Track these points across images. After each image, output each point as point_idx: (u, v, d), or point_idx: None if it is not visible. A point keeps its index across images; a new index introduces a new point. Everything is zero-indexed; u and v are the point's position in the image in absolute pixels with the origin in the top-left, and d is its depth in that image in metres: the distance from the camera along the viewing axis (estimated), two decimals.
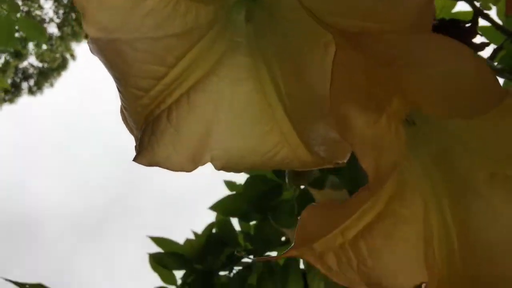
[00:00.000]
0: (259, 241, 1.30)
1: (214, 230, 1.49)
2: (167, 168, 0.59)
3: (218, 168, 0.61)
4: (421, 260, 0.52)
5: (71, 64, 13.94)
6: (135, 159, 0.58)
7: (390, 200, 0.52)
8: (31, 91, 13.74)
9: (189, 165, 0.59)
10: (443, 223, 0.53)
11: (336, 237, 0.49)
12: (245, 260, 1.52)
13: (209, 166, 0.62)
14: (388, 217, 0.52)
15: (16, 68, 13.15)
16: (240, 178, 1.48)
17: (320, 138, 0.58)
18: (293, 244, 0.50)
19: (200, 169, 0.61)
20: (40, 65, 13.70)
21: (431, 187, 0.55)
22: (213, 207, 1.35)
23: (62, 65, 13.75)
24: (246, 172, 1.27)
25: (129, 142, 0.60)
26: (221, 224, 1.45)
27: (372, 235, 0.51)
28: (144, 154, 0.56)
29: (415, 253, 0.52)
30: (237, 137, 0.60)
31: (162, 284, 1.46)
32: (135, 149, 0.58)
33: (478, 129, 0.53)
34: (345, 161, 0.58)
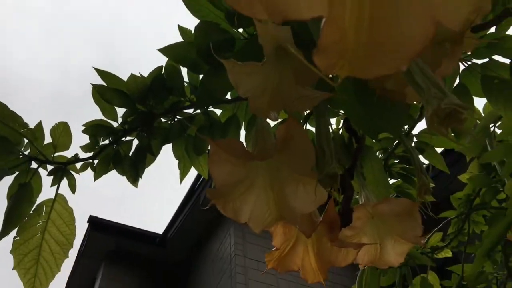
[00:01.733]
0: (205, 94, 1.28)
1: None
2: None
3: None
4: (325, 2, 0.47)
5: None
6: None
7: None
8: None
9: None
10: None
11: None
12: (188, 111, 1.53)
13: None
14: None
15: None
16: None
17: None
18: None
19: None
20: None
21: None
22: (163, 50, 1.30)
23: None
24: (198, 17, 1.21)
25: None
26: (169, 69, 1.42)
27: None
28: None
29: None
30: None
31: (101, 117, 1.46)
32: None
33: None
34: None
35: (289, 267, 1.19)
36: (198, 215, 8.52)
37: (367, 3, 0.48)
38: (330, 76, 0.68)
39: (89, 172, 1.51)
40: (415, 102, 1.48)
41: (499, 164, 2.03)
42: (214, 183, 0.92)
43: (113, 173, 1.53)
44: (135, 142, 1.52)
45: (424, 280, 2.28)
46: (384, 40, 0.47)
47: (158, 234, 9.94)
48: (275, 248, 1.17)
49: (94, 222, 9.57)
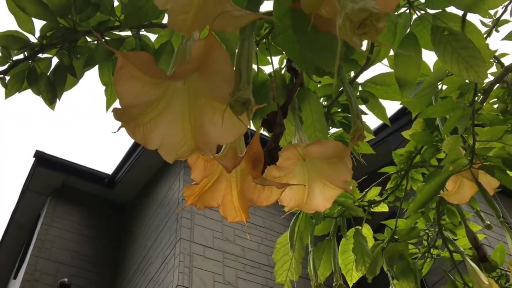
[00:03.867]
0: (134, 13, 1.15)
1: None
2: None
3: None
4: None
5: None
6: None
7: None
8: None
9: None
10: None
11: None
12: (119, 33, 1.39)
13: None
14: None
15: None
16: None
17: None
18: None
19: None
20: None
21: None
22: None
23: None
24: None
25: None
26: None
27: None
28: None
29: None
30: None
31: (17, 28, 1.30)
32: None
33: None
34: None
35: (209, 203, 1.13)
36: (148, 159, 8.39)
37: None
38: None
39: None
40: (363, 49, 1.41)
41: (441, 121, 2.03)
42: (120, 102, 0.82)
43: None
44: (55, 60, 1.38)
45: (357, 231, 2.31)
46: None
47: (108, 174, 9.78)
48: (194, 182, 1.09)
49: (41, 158, 9.28)
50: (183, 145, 0.90)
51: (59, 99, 1.36)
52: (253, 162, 1.04)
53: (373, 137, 1.88)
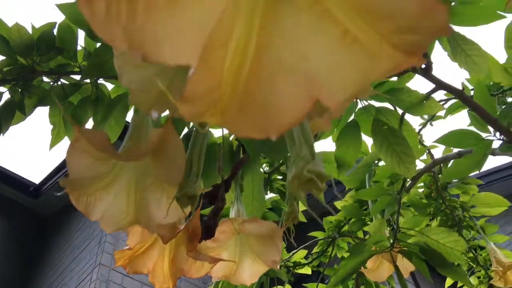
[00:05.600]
0: (96, 64, 1.17)
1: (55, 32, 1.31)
2: None
3: None
4: (199, 47, 0.44)
5: None
6: None
7: None
8: None
9: None
10: (247, 32, 0.45)
11: None
12: (76, 77, 1.40)
13: None
14: None
15: None
16: None
17: None
18: None
19: None
20: None
21: None
22: (61, 6, 1.16)
23: None
24: None
25: None
26: (63, 29, 1.28)
27: None
28: None
29: (195, 36, 0.44)
30: None
31: None
32: None
33: None
34: None
35: (140, 269, 1.14)
36: None
37: (251, 52, 0.44)
38: None
39: None
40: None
41: (371, 200, 2.15)
42: (69, 173, 0.84)
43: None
44: (7, 95, 1.36)
45: None
46: (260, 102, 0.44)
47: (34, 183, 9.32)
48: (128, 247, 1.11)
49: None
50: (125, 218, 0.92)
51: (3, 135, 1.33)
52: (190, 236, 1.07)
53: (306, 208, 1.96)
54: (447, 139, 1.63)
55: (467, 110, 1.60)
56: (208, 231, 1.13)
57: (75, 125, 0.81)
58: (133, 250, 1.12)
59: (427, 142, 2.37)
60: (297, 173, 0.56)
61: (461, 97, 1.54)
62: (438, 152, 4.07)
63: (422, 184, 2.53)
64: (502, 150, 1.62)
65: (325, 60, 0.43)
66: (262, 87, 0.44)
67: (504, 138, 1.53)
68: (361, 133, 1.75)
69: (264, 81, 0.44)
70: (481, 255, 2.70)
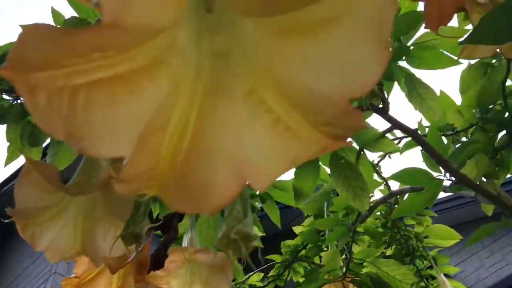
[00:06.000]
0: None
1: None
2: None
3: None
4: (134, 137, 0.46)
5: None
6: None
7: (139, 70, 0.45)
8: None
9: None
10: (185, 117, 0.49)
11: (59, 78, 0.41)
12: None
13: None
14: (125, 82, 0.45)
15: None
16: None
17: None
18: (6, 61, 0.39)
19: None
20: None
21: (193, 78, 0.49)
22: (23, 27, 1.16)
23: None
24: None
25: None
26: None
27: (98, 92, 0.43)
28: None
29: (132, 129, 0.46)
30: None
31: None
32: None
33: (265, 41, 0.48)
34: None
35: None
36: None
37: (188, 136, 0.47)
38: None
39: None
40: None
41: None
42: (16, 203, 0.84)
43: None
44: None
45: None
46: (194, 182, 0.47)
47: None
48: (74, 275, 1.10)
49: None
50: (71, 248, 0.93)
51: None
52: (139, 267, 1.08)
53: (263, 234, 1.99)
54: (401, 176, 1.69)
55: (420, 150, 1.66)
56: (157, 262, 1.14)
57: (26, 157, 0.81)
58: (80, 278, 1.12)
59: (386, 172, 2.44)
60: (226, 232, 0.58)
61: (414, 137, 1.60)
62: (396, 183, 4.17)
63: (379, 213, 2.59)
64: (451, 190, 1.68)
65: (258, 146, 0.46)
66: (197, 169, 0.47)
67: (454, 179, 1.60)
68: (320, 166, 1.79)
69: (199, 164, 0.47)
70: (432, 284, 2.77)
